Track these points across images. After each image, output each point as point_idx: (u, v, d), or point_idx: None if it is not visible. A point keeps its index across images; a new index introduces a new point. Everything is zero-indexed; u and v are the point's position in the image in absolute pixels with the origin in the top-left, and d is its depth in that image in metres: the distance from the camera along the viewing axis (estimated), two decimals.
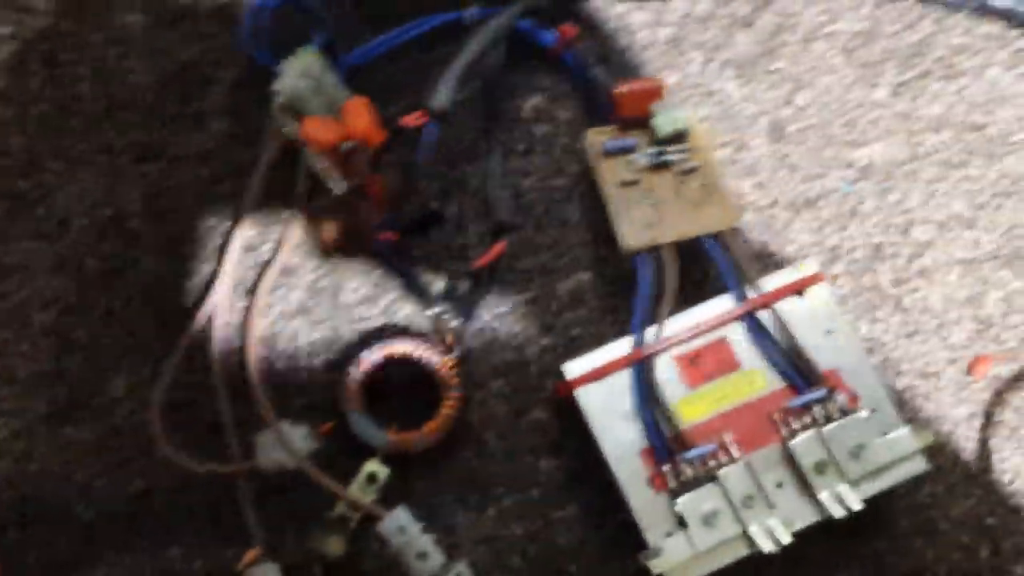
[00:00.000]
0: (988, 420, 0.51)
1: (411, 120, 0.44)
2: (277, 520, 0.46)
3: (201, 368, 0.48)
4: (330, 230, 0.47)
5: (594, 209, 0.51)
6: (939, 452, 0.50)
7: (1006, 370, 0.51)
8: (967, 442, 0.50)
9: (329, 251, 0.48)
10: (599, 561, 0.48)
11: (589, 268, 0.51)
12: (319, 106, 0.47)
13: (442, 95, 0.46)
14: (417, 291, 0.48)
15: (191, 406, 0.48)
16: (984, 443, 0.50)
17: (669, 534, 0.44)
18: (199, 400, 0.48)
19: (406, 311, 0.50)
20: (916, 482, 0.49)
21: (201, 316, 0.47)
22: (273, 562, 0.45)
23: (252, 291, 0.48)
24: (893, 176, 0.53)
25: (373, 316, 0.49)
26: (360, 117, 0.45)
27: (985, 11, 0.55)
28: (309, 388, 0.48)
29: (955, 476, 0.50)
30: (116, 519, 0.47)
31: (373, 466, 0.46)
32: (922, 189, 0.53)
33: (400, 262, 0.48)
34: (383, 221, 0.46)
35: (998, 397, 0.51)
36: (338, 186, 0.45)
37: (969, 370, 0.51)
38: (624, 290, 0.49)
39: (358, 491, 0.45)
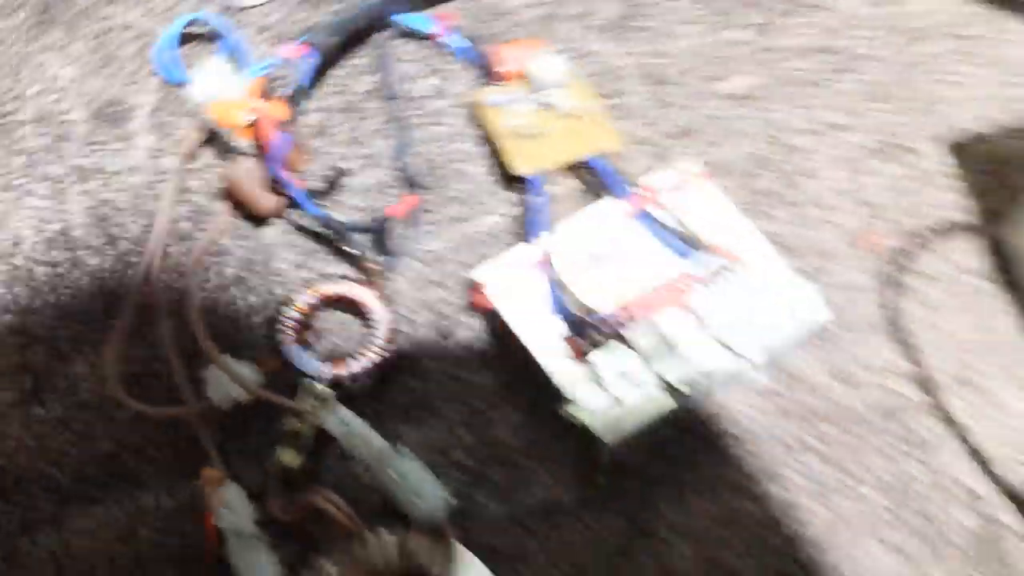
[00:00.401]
0: (887, 282, 0.65)
1: (293, 51, 0.61)
2: (238, 453, 0.59)
3: (150, 332, 0.62)
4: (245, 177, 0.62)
5: (496, 164, 0.67)
6: (843, 313, 0.63)
7: (895, 242, 0.66)
8: (867, 304, 0.64)
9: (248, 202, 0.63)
10: (543, 447, 0.60)
11: (496, 212, 0.67)
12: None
13: (321, 31, 0.63)
14: (340, 236, 0.63)
15: (146, 373, 0.62)
16: (885, 303, 0.64)
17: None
18: (154, 366, 0.62)
19: (336, 270, 0.64)
20: (825, 338, 0.62)
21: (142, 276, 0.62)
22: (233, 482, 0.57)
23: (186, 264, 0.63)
24: (768, 99, 0.70)
25: (304, 278, 0.64)
26: (258, 91, 0.62)
27: None
28: (248, 340, 0.62)
29: (862, 331, 0.63)
30: (88, 479, 0.59)
31: (315, 388, 0.59)
32: (796, 106, 0.70)
33: (318, 213, 0.63)
34: (293, 192, 0.62)
35: (891, 264, 0.65)
36: (245, 146, 0.61)
37: (859, 244, 0.66)
38: None
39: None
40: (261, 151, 0.60)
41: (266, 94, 0.62)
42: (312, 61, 0.62)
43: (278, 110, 0.61)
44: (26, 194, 0.67)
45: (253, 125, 0.60)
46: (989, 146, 0.68)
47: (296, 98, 0.62)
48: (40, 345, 0.62)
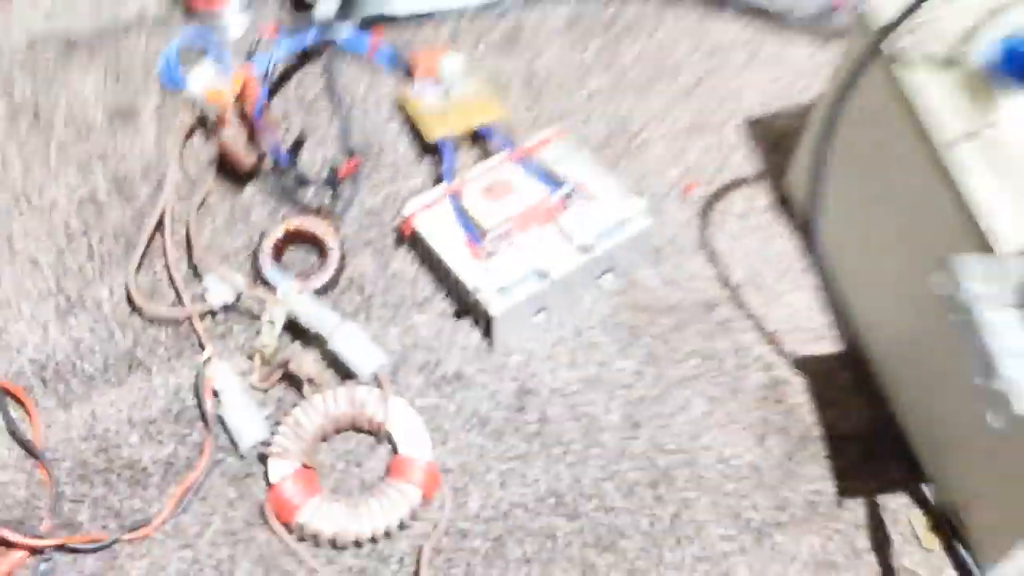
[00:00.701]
0: (701, 218, 0.75)
1: (268, 31, 0.70)
2: (229, 342, 0.67)
3: (159, 262, 0.70)
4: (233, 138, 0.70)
5: (414, 142, 0.76)
6: (671, 240, 0.73)
7: (707, 190, 0.76)
8: (688, 233, 0.74)
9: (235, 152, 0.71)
10: (451, 335, 0.69)
11: (415, 176, 0.76)
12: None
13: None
14: (303, 183, 0.71)
15: (157, 289, 0.69)
16: (701, 232, 0.74)
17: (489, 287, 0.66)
18: (161, 286, 0.69)
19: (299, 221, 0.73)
20: (657, 258, 0.72)
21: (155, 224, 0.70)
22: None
23: (187, 220, 0.71)
24: (611, 96, 0.80)
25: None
26: (238, 79, 0.70)
27: None
28: (236, 267, 0.70)
29: (683, 253, 0.73)
30: (111, 368, 0.66)
31: (287, 285, 0.67)
32: (632, 101, 0.80)
33: (289, 169, 0.71)
34: (270, 143, 0.71)
35: (706, 205, 0.76)
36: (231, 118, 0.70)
37: (683, 191, 0.76)
38: None
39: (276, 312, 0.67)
40: (244, 118, 0.69)
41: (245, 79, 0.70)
42: (281, 39, 0.70)
43: (255, 83, 0.69)
44: (60, 170, 0.74)
45: (238, 98, 0.68)
46: (768, 123, 0.79)
47: (268, 74, 0.70)
48: (74, 276, 0.69)
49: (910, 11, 0.51)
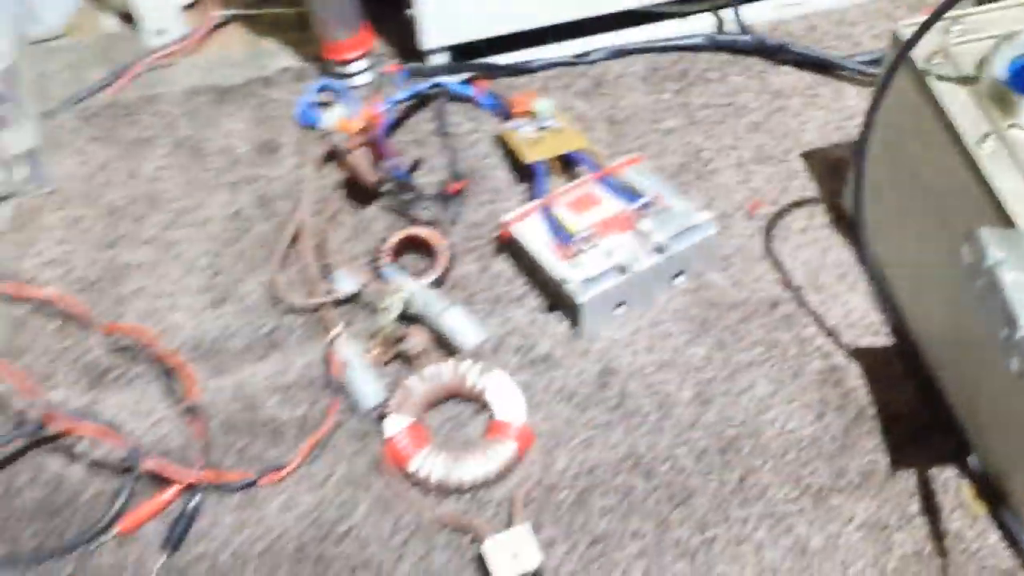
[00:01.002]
0: (765, 233, 0.83)
1: (392, 68, 0.82)
2: (352, 328, 0.77)
3: (296, 262, 0.81)
4: (360, 160, 0.82)
5: (512, 170, 0.87)
6: (740, 250, 0.82)
7: (770, 210, 0.85)
8: (753, 245, 0.82)
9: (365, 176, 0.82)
10: (544, 324, 0.78)
11: (512, 199, 0.86)
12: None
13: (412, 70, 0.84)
14: (419, 198, 0.82)
15: (293, 283, 0.80)
16: (765, 243, 0.83)
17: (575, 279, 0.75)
18: (296, 283, 0.80)
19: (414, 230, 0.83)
20: (725, 265, 0.80)
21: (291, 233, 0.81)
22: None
23: (320, 229, 0.83)
24: (685, 132, 0.90)
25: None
26: (366, 113, 0.82)
27: (716, 44, 0.95)
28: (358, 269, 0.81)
29: (749, 261, 0.81)
30: (253, 348, 0.77)
31: (402, 278, 0.77)
32: (704, 136, 0.90)
33: (406, 186, 0.82)
34: (391, 165, 0.82)
35: (769, 223, 0.84)
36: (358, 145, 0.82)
37: (750, 210, 0.85)
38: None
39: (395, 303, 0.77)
40: (369, 145, 0.80)
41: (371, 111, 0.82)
42: (402, 73, 0.82)
43: (381, 112, 0.81)
44: (214, 192, 0.86)
45: (364, 128, 0.80)
46: (825, 153, 0.87)
47: (392, 105, 0.82)
48: (224, 275, 0.81)
49: (930, 22, 0.60)
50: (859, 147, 0.66)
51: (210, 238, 0.83)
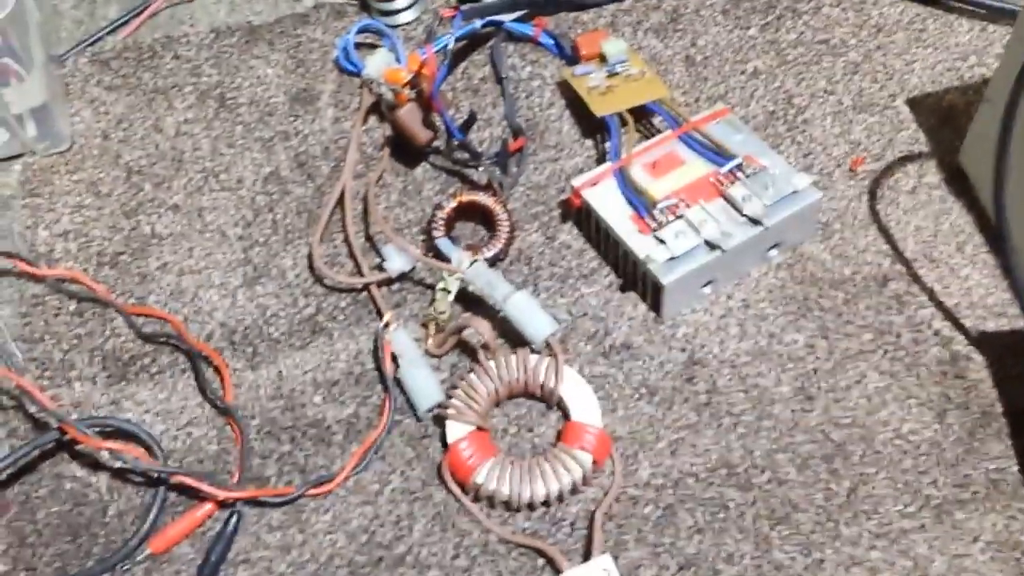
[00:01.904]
0: (870, 193, 0.71)
1: (448, 11, 0.70)
2: (404, 310, 0.67)
3: (339, 235, 0.70)
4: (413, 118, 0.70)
5: (577, 122, 0.75)
6: (841, 215, 0.70)
7: (875, 166, 0.72)
8: (857, 209, 0.70)
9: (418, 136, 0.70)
10: (619, 306, 0.67)
11: (579, 154, 0.74)
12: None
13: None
14: (475, 158, 0.70)
15: (336, 260, 0.69)
16: (870, 207, 0.71)
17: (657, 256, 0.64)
18: (340, 257, 0.70)
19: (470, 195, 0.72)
20: (826, 233, 0.69)
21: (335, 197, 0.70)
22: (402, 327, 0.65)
23: (365, 195, 0.71)
24: (773, 75, 0.77)
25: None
26: (414, 61, 0.70)
27: None
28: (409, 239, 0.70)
29: (853, 228, 0.69)
30: (295, 333, 0.67)
31: (460, 254, 0.66)
32: (795, 80, 0.77)
33: (461, 144, 0.71)
34: (446, 120, 0.70)
35: (874, 182, 0.72)
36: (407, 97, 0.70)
37: (851, 167, 0.72)
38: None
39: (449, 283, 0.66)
40: (420, 96, 0.68)
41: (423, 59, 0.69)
42: (459, 18, 0.70)
43: (434, 61, 0.69)
44: (245, 150, 0.75)
45: (417, 75, 0.67)
46: (936, 99, 0.74)
47: (447, 53, 0.70)
48: (260, 247, 0.70)
49: None
50: (1009, 111, 0.53)
51: (242, 204, 0.72)
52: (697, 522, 0.58)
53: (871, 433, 0.60)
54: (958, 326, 0.64)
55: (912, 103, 0.74)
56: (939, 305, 0.65)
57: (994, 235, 0.65)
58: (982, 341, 0.63)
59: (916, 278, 0.66)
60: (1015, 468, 0.59)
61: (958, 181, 0.70)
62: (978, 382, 0.62)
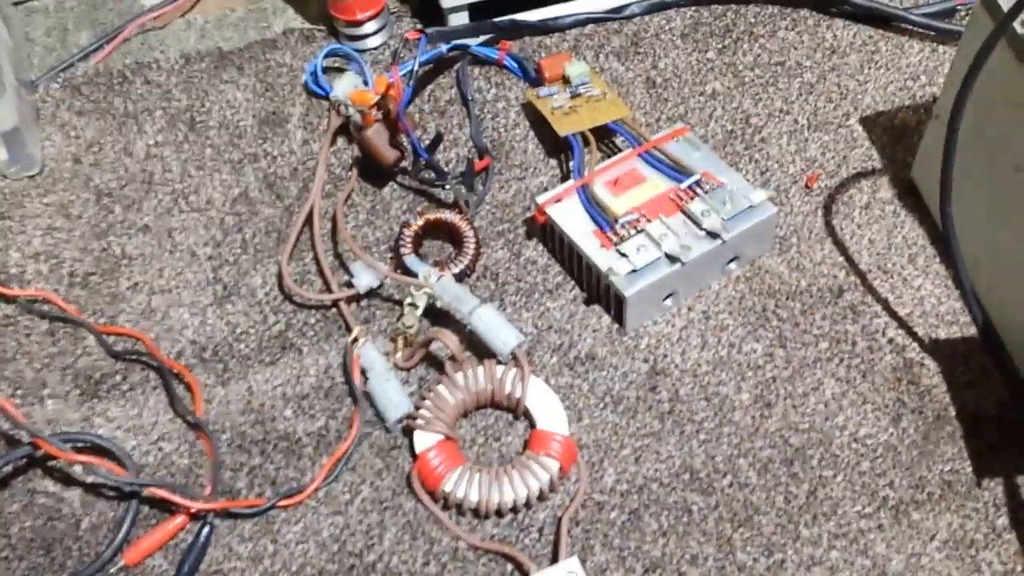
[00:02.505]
0: (824, 208, 0.74)
1: (412, 34, 0.72)
2: (373, 326, 0.69)
3: (307, 253, 0.72)
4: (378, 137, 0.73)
5: (542, 142, 0.78)
6: (797, 230, 0.73)
7: (830, 183, 0.76)
8: (812, 223, 0.73)
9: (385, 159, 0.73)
10: (584, 319, 0.69)
11: (543, 173, 0.77)
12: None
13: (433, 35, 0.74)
14: (441, 177, 0.73)
15: (305, 278, 0.71)
16: (825, 221, 0.74)
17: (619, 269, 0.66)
18: (309, 276, 0.72)
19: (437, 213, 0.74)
20: (783, 247, 0.72)
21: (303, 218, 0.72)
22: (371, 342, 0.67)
23: (333, 214, 0.74)
24: (731, 96, 0.81)
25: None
26: (381, 84, 0.72)
27: None
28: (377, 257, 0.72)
29: (808, 241, 0.72)
30: (265, 349, 0.69)
31: (427, 270, 0.68)
32: (751, 99, 0.80)
33: (428, 164, 0.73)
34: (410, 141, 0.72)
35: (829, 198, 0.75)
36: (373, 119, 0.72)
37: (807, 184, 0.76)
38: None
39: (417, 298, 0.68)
40: (387, 117, 0.71)
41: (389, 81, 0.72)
42: (423, 41, 0.72)
43: (400, 82, 0.71)
44: (215, 172, 0.77)
45: (381, 98, 0.70)
46: (888, 118, 0.78)
47: (414, 74, 0.72)
48: (229, 266, 0.72)
49: None
50: (952, 124, 0.56)
51: (212, 224, 0.74)
52: (662, 526, 0.60)
53: (828, 437, 0.63)
54: (911, 334, 0.67)
55: (865, 122, 0.78)
56: (893, 314, 0.68)
57: (943, 245, 0.68)
58: (934, 348, 0.66)
59: (870, 289, 0.69)
60: (968, 469, 0.61)
61: (910, 196, 0.73)
62: (931, 387, 0.64)
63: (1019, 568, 0.58)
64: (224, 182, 0.77)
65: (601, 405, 0.65)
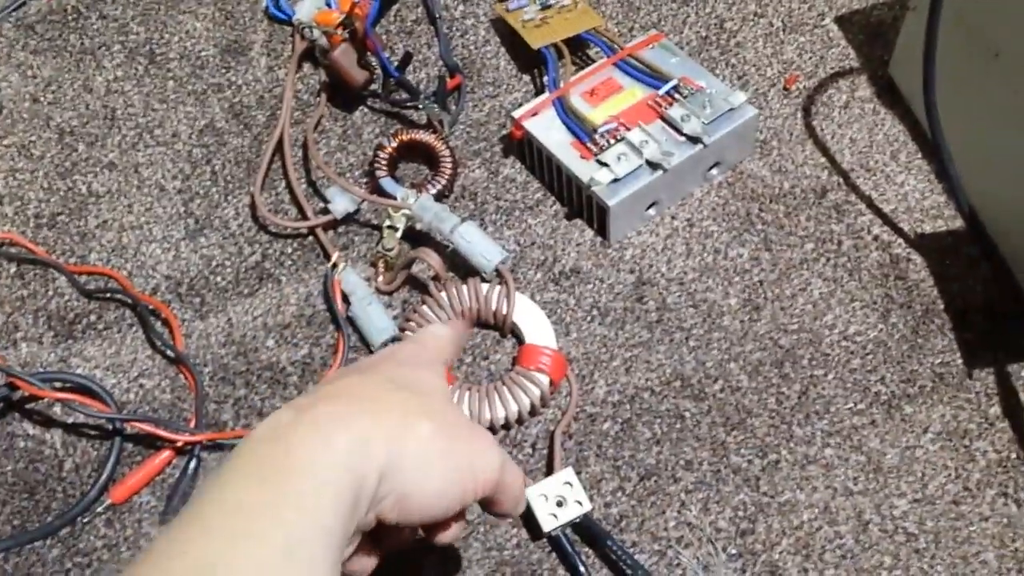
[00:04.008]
0: (804, 110, 0.73)
1: None
2: (352, 252, 0.67)
3: (280, 182, 0.70)
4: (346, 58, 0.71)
5: (514, 58, 0.76)
6: (778, 133, 0.72)
7: (808, 84, 0.74)
8: (792, 125, 0.72)
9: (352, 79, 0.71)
10: (567, 233, 0.68)
11: (517, 89, 0.75)
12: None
13: None
14: (413, 96, 0.71)
15: (279, 208, 0.70)
16: (805, 123, 0.72)
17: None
18: (283, 205, 0.70)
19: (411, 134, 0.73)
20: (764, 150, 0.71)
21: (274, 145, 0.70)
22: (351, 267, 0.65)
23: (304, 141, 0.72)
24: (704, 1, 0.79)
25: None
26: (346, 2, 0.70)
27: None
28: (353, 180, 0.70)
29: (789, 143, 0.71)
30: (242, 281, 0.67)
31: (406, 192, 0.66)
32: (724, 3, 0.78)
33: (398, 84, 0.71)
34: (379, 61, 0.70)
35: (808, 99, 0.74)
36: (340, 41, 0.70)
37: (785, 86, 0.74)
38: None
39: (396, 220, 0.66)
40: (354, 37, 0.68)
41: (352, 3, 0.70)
42: None
43: (363, 5, 0.69)
44: (179, 104, 0.75)
45: (349, 15, 0.68)
46: (864, 16, 0.76)
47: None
48: (200, 199, 0.70)
49: None
50: (932, 11, 0.55)
51: (179, 158, 0.72)
52: (655, 434, 0.59)
53: (818, 337, 0.62)
54: (896, 230, 0.66)
55: (841, 21, 0.76)
56: (877, 212, 0.67)
57: (929, 140, 0.67)
58: (920, 243, 0.65)
59: (853, 188, 0.68)
60: (959, 361, 0.61)
61: (889, 94, 0.72)
62: (919, 282, 0.64)
63: (1013, 455, 0.57)
64: (189, 114, 0.74)
65: (588, 318, 0.64)
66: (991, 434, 0.58)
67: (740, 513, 0.57)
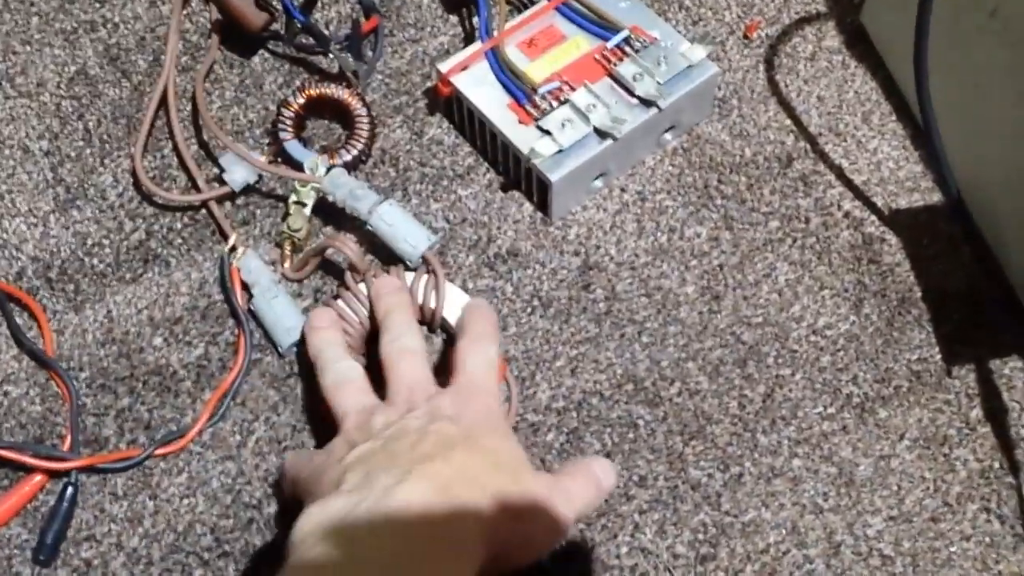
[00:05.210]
0: (767, 62, 0.65)
1: None
2: (253, 229, 0.58)
3: (166, 144, 0.60)
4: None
5: None
6: (738, 89, 0.63)
7: (770, 31, 0.66)
8: (754, 80, 0.64)
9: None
10: (501, 208, 0.59)
11: (443, 33, 0.65)
12: None
13: None
14: (322, 41, 0.60)
15: (166, 175, 0.60)
16: (767, 78, 0.65)
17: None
18: (171, 171, 0.60)
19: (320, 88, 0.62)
20: (723, 110, 0.62)
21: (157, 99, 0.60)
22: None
23: (193, 93, 0.61)
24: None
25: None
26: None
27: None
28: (253, 146, 0.60)
29: (751, 102, 0.63)
30: (124, 264, 0.57)
31: (315, 161, 0.57)
32: None
33: (304, 27, 0.61)
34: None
35: (770, 49, 0.66)
36: None
37: (745, 33, 0.66)
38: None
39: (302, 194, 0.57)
40: None
41: None
42: None
43: None
44: (44, 46, 0.64)
45: None
46: None
47: None
48: (71, 163, 0.60)
49: None
50: None
51: (45, 112, 0.61)
52: (605, 445, 0.53)
53: (784, 331, 0.56)
54: (869, 205, 0.60)
55: None
56: (848, 183, 0.60)
57: (904, 99, 0.60)
58: (895, 220, 0.59)
59: (822, 155, 0.61)
60: (938, 357, 0.55)
61: (860, 43, 0.65)
62: (894, 266, 0.58)
63: (996, 465, 0.52)
64: (56, 58, 0.63)
65: (528, 309, 0.56)
66: (972, 440, 0.53)
67: (700, 536, 0.50)
